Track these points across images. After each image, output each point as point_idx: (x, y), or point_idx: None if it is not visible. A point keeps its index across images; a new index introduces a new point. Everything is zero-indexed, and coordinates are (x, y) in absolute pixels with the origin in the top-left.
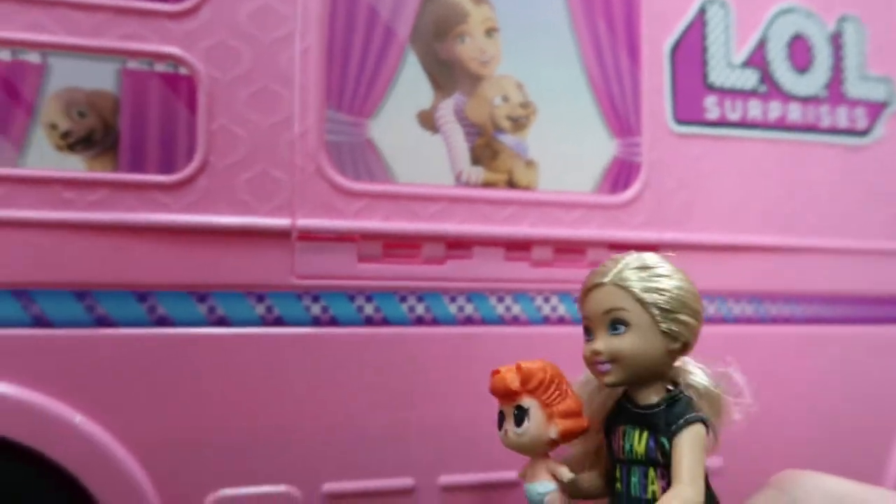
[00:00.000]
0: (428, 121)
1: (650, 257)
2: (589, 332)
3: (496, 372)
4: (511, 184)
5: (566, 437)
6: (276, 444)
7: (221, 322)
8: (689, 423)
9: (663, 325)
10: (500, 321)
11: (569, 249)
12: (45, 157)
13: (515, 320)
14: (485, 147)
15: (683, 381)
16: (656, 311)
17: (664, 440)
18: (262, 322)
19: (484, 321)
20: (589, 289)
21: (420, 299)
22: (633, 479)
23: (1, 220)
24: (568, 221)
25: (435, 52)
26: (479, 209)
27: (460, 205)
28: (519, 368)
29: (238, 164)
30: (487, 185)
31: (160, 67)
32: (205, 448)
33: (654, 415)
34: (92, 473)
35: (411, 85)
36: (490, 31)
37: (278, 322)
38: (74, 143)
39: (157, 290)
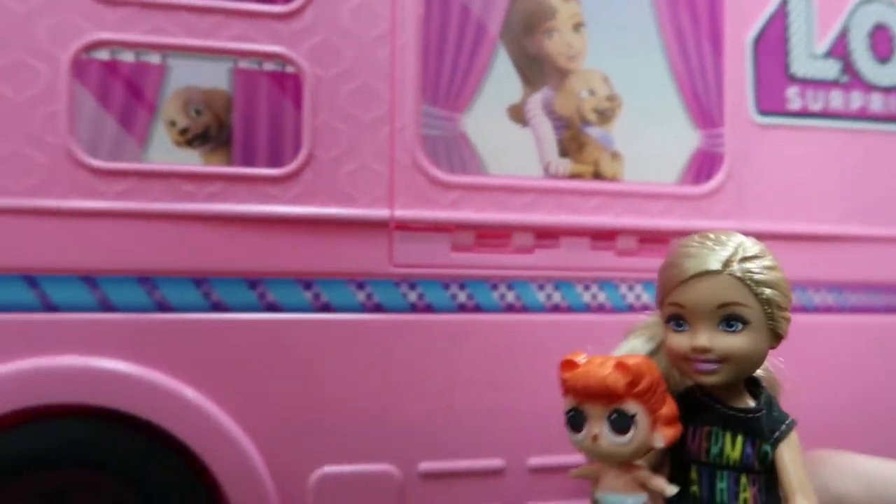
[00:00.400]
0: (518, 114)
1: (753, 244)
2: (680, 323)
3: (572, 364)
4: (597, 175)
5: (669, 445)
6: (377, 425)
7: (325, 308)
8: (789, 428)
9: (772, 324)
10: (587, 309)
11: (653, 239)
12: (166, 153)
13: (601, 308)
14: (572, 139)
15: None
16: (769, 309)
17: (766, 448)
18: (363, 308)
19: (571, 309)
20: (692, 276)
21: (510, 287)
22: (721, 485)
23: (126, 212)
24: (652, 212)
25: (524, 48)
26: (566, 200)
27: (548, 196)
28: (623, 367)
29: (340, 157)
30: (574, 176)
31: (269, 66)
32: (311, 427)
33: (756, 420)
34: (210, 449)
35: (502, 80)
36: (577, 27)
37: (377, 309)
38: (192, 139)
39: (267, 277)
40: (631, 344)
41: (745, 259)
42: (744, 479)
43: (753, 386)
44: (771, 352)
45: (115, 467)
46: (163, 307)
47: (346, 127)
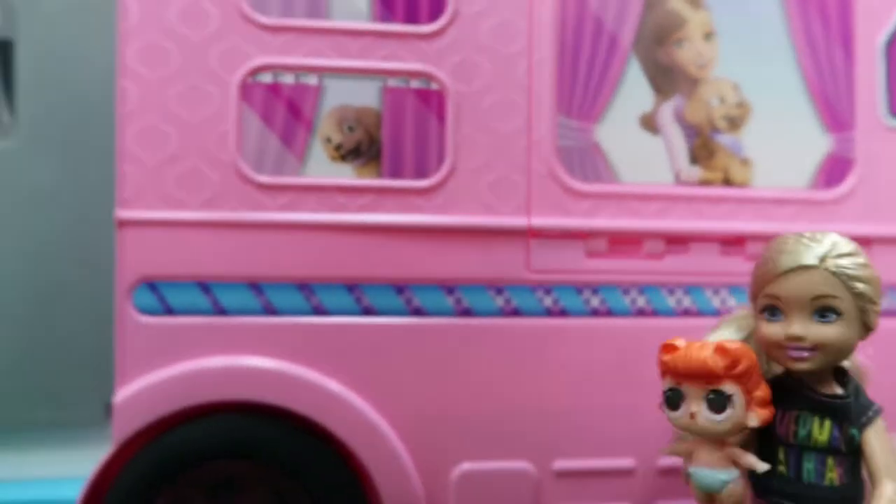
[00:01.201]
0: (649, 123)
1: (847, 242)
2: (776, 314)
3: (672, 347)
4: (727, 181)
5: (763, 425)
6: (514, 424)
7: (466, 313)
8: (876, 414)
9: (864, 317)
10: (717, 313)
11: None
12: (322, 167)
13: (730, 312)
14: (702, 147)
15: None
16: (861, 303)
17: (854, 432)
18: (501, 313)
19: (700, 313)
20: (789, 270)
21: (641, 292)
22: (808, 466)
23: (288, 223)
24: (782, 217)
25: (655, 58)
26: (696, 206)
27: (679, 203)
28: (724, 350)
29: (481, 168)
30: (704, 183)
31: (415, 84)
32: (453, 425)
33: (845, 406)
34: (362, 444)
35: (634, 90)
36: (708, 36)
37: (515, 313)
38: (345, 154)
39: (413, 283)
40: (720, 334)
41: (839, 255)
42: (830, 461)
43: (840, 375)
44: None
45: (277, 459)
46: (319, 311)
47: (487, 139)
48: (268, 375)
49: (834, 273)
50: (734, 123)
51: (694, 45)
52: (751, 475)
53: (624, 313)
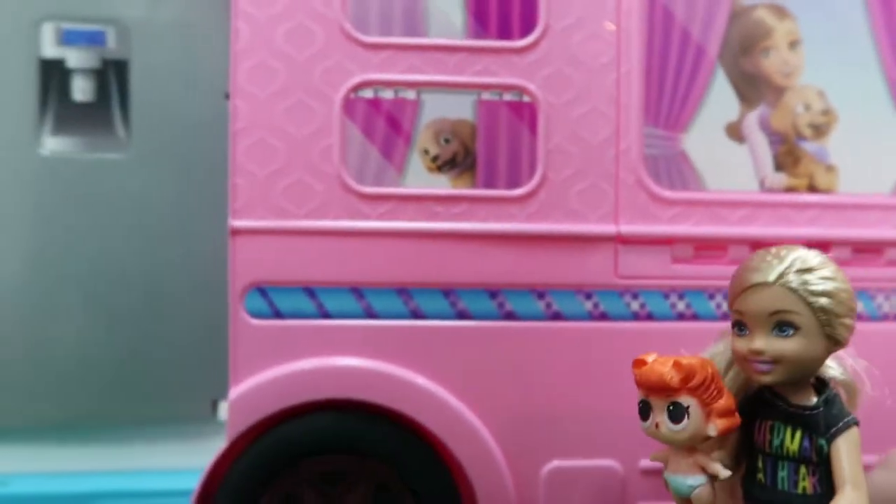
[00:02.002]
0: (735, 132)
1: (813, 256)
2: (742, 328)
3: (641, 362)
4: (812, 188)
5: (723, 434)
6: (601, 423)
7: (556, 316)
8: (847, 425)
9: (828, 330)
10: None
11: (867, 249)
12: (420, 178)
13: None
14: (787, 154)
15: (824, 375)
16: (824, 316)
17: (822, 442)
18: (590, 317)
19: None
20: (750, 286)
21: (726, 296)
22: (782, 474)
23: (387, 231)
24: (867, 222)
25: (741, 68)
26: (781, 213)
27: (764, 209)
28: (679, 365)
29: (571, 178)
30: (789, 189)
31: (508, 97)
32: (542, 424)
33: (813, 416)
34: (457, 440)
35: (720, 99)
36: (793, 44)
37: (603, 317)
38: (442, 164)
39: (505, 288)
40: (717, 348)
41: (800, 271)
42: (803, 470)
43: (822, 386)
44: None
45: (379, 454)
46: (416, 315)
47: (576, 150)
48: (370, 375)
49: (792, 289)
50: (820, 131)
51: (780, 54)
52: (742, 483)
53: (710, 317)
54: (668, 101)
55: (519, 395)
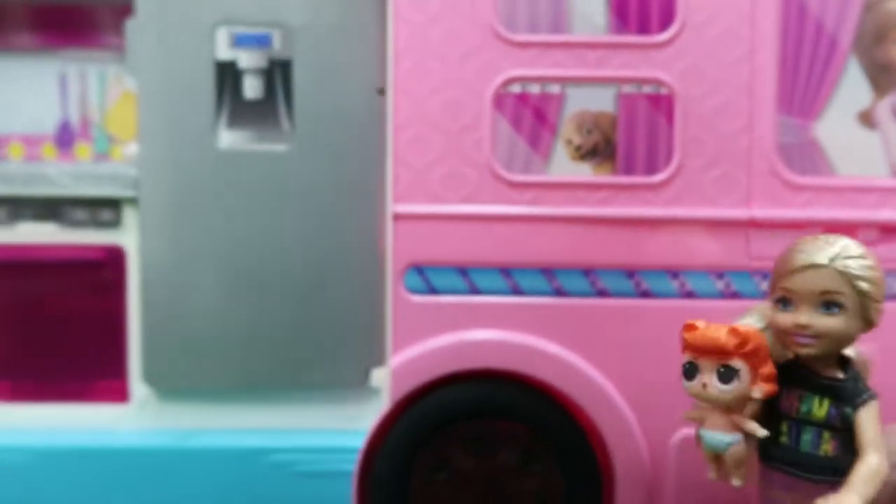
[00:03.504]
0: (866, 119)
1: (856, 246)
2: (787, 305)
3: (692, 327)
4: None
5: (765, 398)
6: None
7: (690, 295)
8: (870, 398)
9: (865, 312)
10: None
11: None
12: (564, 166)
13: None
14: None
15: (846, 353)
16: (864, 299)
17: (848, 410)
18: (722, 296)
19: None
20: (802, 267)
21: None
22: (805, 437)
23: (534, 216)
24: None
25: (873, 57)
26: None
27: (894, 195)
28: (735, 331)
29: (706, 165)
30: None
31: (646, 89)
32: (674, 394)
33: (841, 387)
34: (596, 408)
35: (852, 88)
36: None
37: (734, 296)
38: (584, 154)
39: (642, 269)
40: (746, 321)
41: (848, 257)
42: (826, 434)
43: (844, 362)
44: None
45: (525, 420)
46: (559, 293)
47: (711, 139)
48: (517, 348)
49: (841, 272)
50: None
51: None
52: (759, 444)
53: None
54: (802, 91)
55: (653, 367)
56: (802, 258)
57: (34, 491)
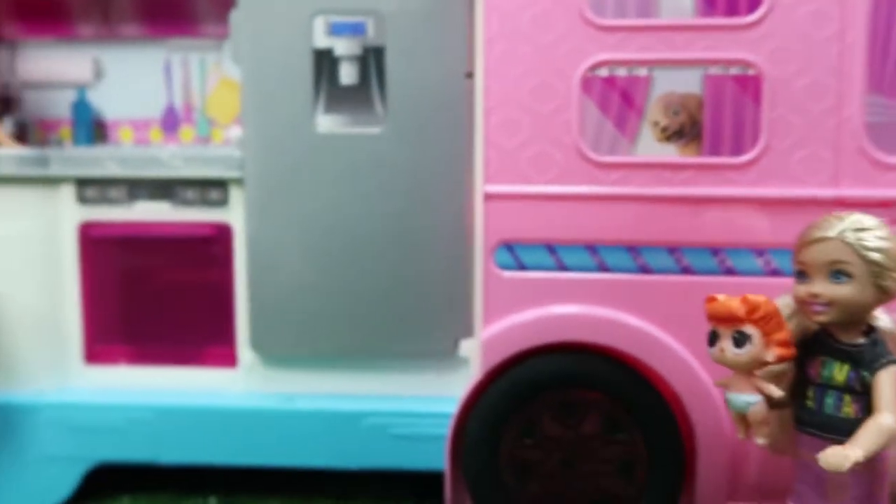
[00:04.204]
0: None
1: (869, 219)
2: (803, 277)
3: (713, 299)
4: None
5: (779, 361)
6: None
7: (775, 273)
8: (889, 362)
9: (879, 281)
10: None
11: None
12: (649, 147)
13: None
14: None
15: (874, 323)
16: (876, 268)
17: (865, 374)
18: None
19: None
20: (812, 241)
21: None
22: (828, 401)
23: (620, 195)
24: None
25: None
26: None
27: None
28: (746, 300)
29: (793, 146)
30: None
31: (733, 71)
32: None
33: (859, 352)
34: (678, 379)
35: None
36: None
37: None
38: (670, 135)
39: (726, 247)
40: (784, 300)
41: (857, 230)
42: (847, 398)
43: (868, 330)
44: None
45: (610, 390)
46: (644, 270)
47: (799, 119)
48: (601, 321)
49: (848, 243)
50: None
51: None
52: (793, 410)
53: None
54: (892, 70)
55: None
56: (812, 233)
57: (157, 445)
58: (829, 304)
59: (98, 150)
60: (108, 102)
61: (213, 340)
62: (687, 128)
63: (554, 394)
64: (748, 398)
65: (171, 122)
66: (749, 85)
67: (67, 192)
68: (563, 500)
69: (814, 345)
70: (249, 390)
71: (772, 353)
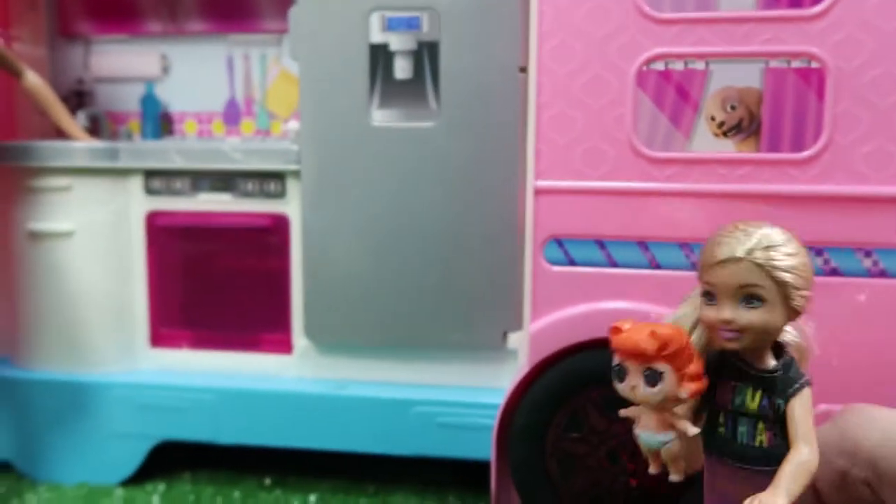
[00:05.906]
0: None
1: (778, 234)
2: (711, 298)
3: (618, 330)
4: None
5: (694, 396)
6: (873, 372)
7: (834, 272)
8: (802, 386)
9: (793, 302)
10: None
11: None
12: (706, 143)
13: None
14: None
15: (782, 339)
16: (787, 290)
17: (780, 402)
18: (868, 274)
19: None
20: (721, 262)
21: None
22: (741, 429)
23: (674, 191)
24: None
25: None
26: None
27: None
28: (655, 334)
29: (858, 140)
30: None
31: (796, 64)
32: (814, 369)
33: (772, 379)
34: None
35: None
36: None
37: (882, 274)
38: (727, 130)
39: None
40: (683, 310)
41: (766, 248)
42: (760, 425)
43: (779, 349)
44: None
45: None
46: (695, 267)
47: (864, 113)
48: (651, 318)
49: (759, 265)
50: None
51: None
52: (702, 434)
53: None
54: None
55: None
56: (720, 251)
57: (216, 425)
58: (742, 330)
59: (164, 144)
60: (174, 96)
61: (269, 327)
62: (745, 123)
63: (600, 388)
64: (662, 437)
65: (232, 116)
66: (811, 78)
67: (136, 183)
68: (606, 494)
69: (722, 368)
70: (303, 376)
71: (685, 390)
